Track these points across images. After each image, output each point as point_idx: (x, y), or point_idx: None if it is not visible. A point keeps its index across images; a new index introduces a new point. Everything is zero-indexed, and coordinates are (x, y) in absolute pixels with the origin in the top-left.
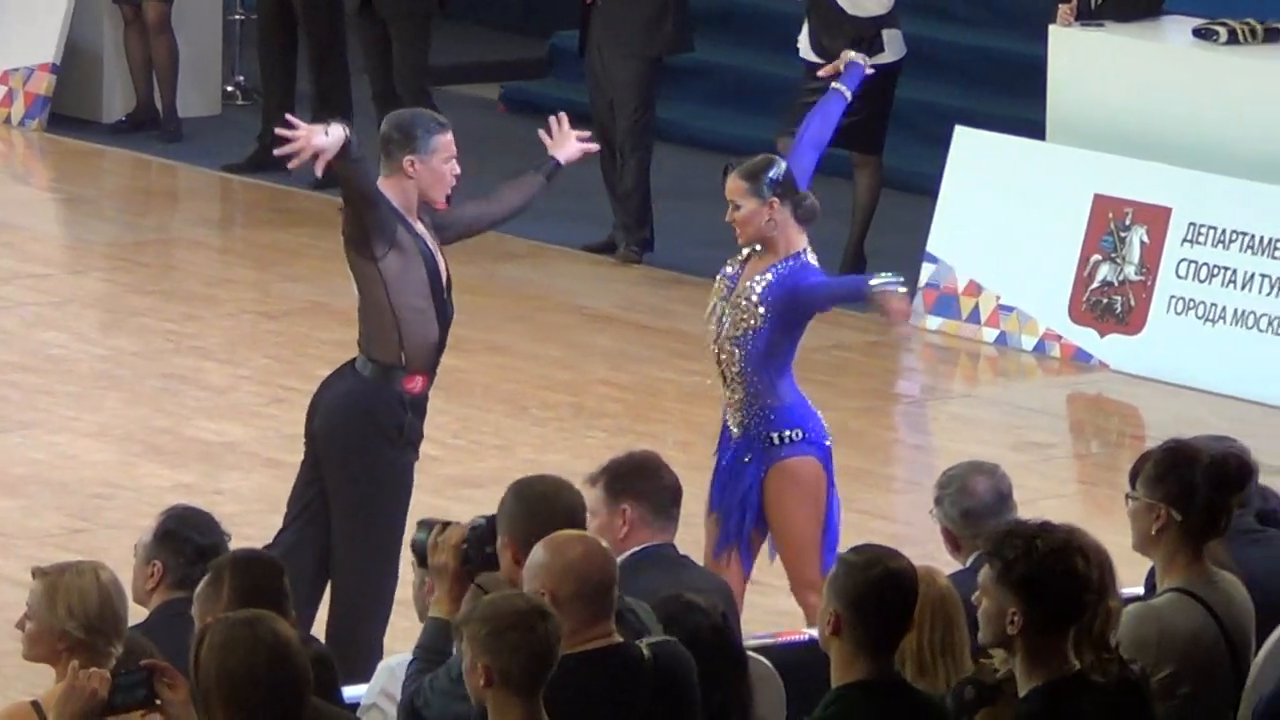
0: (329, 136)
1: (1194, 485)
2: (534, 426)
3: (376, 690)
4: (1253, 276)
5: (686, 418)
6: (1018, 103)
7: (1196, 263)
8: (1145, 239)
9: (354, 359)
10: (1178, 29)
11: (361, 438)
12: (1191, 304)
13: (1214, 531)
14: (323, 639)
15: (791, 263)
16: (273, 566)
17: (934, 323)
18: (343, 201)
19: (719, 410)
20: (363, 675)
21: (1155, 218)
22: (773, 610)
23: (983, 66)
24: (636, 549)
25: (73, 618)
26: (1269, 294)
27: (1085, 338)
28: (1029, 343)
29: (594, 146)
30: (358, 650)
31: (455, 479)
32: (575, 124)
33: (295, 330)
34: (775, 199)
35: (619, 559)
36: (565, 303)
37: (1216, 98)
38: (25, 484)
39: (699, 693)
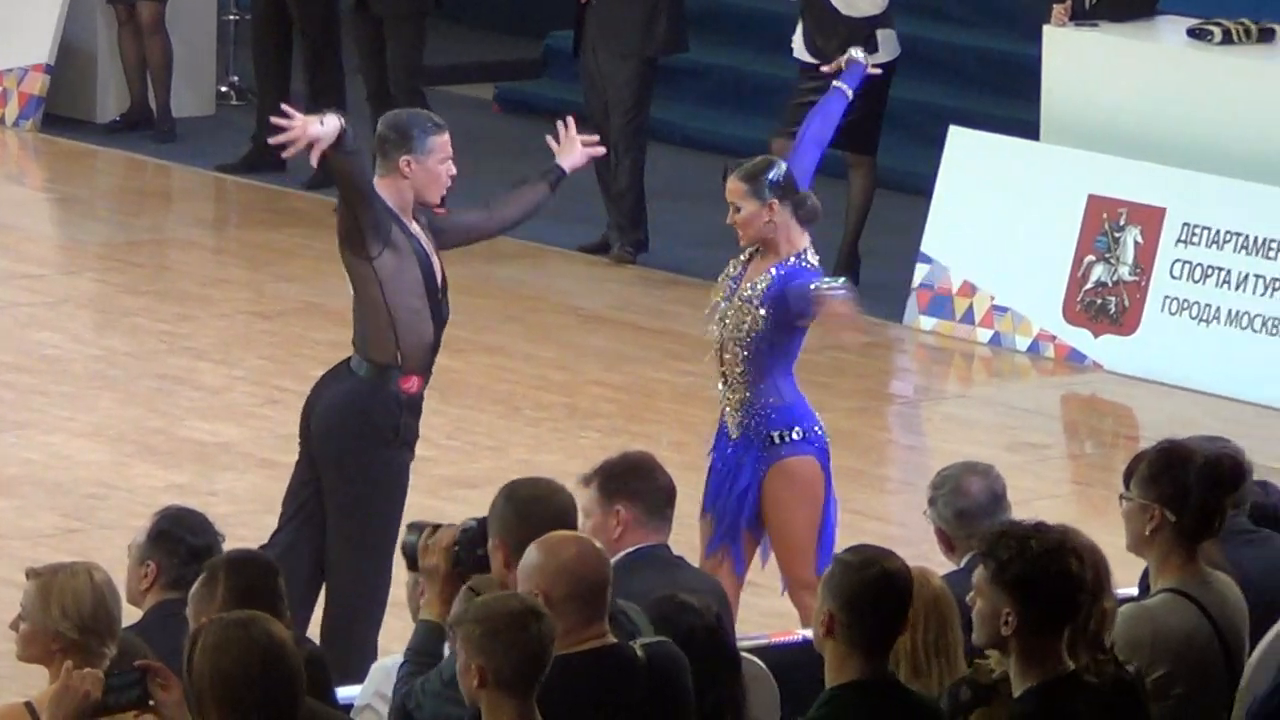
0: (325, 126)
1: (1188, 486)
2: (528, 427)
3: (370, 691)
4: (1247, 277)
5: (681, 418)
6: (1012, 103)
7: (1190, 263)
8: (1139, 239)
9: (348, 359)
10: (1172, 29)
11: (358, 438)
12: (1186, 304)
13: (1208, 532)
14: (317, 639)
15: (792, 263)
16: (268, 567)
17: (928, 323)
18: (338, 196)
19: (713, 411)
20: (357, 676)
21: (1149, 218)
22: (767, 611)
23: (977, 66)
24: (631, 550)
25: (66, 618)
26: (1263, 294)
27: (1079, 338)
28: (1023, 343)
29: (600, 150)
30: (352, 651)
31: (449, 479)
32: None
33: (289, 331)
34: (775, 200)
35: (613, 560)
36: (560, 303)
37: (1211, 98)
38: (19, 484)
39: (693, 693)
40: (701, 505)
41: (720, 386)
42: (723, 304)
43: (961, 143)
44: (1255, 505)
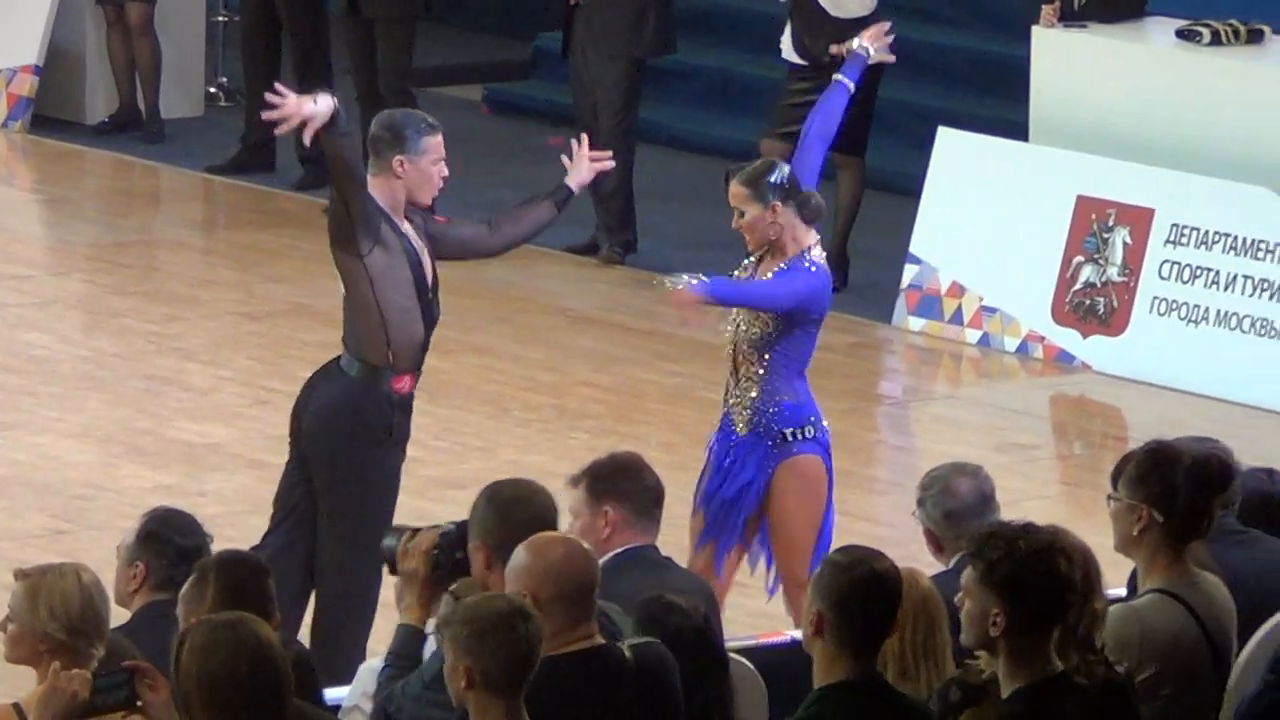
0: (318, 105)
1: (1176, 486)
2: (516, 428)
3: (359, 692)
4: (1235, 278)
5: (669, 419)
6: (1001, 104)
7: (1179, 264)
8: (1128, 240)
9: (338, 358)
10: (1161, 30)
11: (350, 438)
12: (1174, 305)
13: (1195, 533)
14: (307, 640)
15: (795, 262)
16: (258, 568)
17: (917, 324)
18: (330, 188)
19: (701, 411)
20: (347, 676)
21: (1138, 219)
22: (754, 612)
23: (965, 67)
24: (619, 550)
25: (54, 619)
26: (1251, 295)
27: (1068, 339)
28: (1012, 344)
29: (609, 165)
30: (342, 651)
31: (438, 480)
32: (558, 125)
33: (278, 331)
34: (778, 202)
35: (601, 560)
36: (548, 304)
37: (1199, 99)
38: (7, 485)
39: (681, 694)
40: (695, 501)
41: (730, 384)
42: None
43: (950, 143)
44: (1260, 493)
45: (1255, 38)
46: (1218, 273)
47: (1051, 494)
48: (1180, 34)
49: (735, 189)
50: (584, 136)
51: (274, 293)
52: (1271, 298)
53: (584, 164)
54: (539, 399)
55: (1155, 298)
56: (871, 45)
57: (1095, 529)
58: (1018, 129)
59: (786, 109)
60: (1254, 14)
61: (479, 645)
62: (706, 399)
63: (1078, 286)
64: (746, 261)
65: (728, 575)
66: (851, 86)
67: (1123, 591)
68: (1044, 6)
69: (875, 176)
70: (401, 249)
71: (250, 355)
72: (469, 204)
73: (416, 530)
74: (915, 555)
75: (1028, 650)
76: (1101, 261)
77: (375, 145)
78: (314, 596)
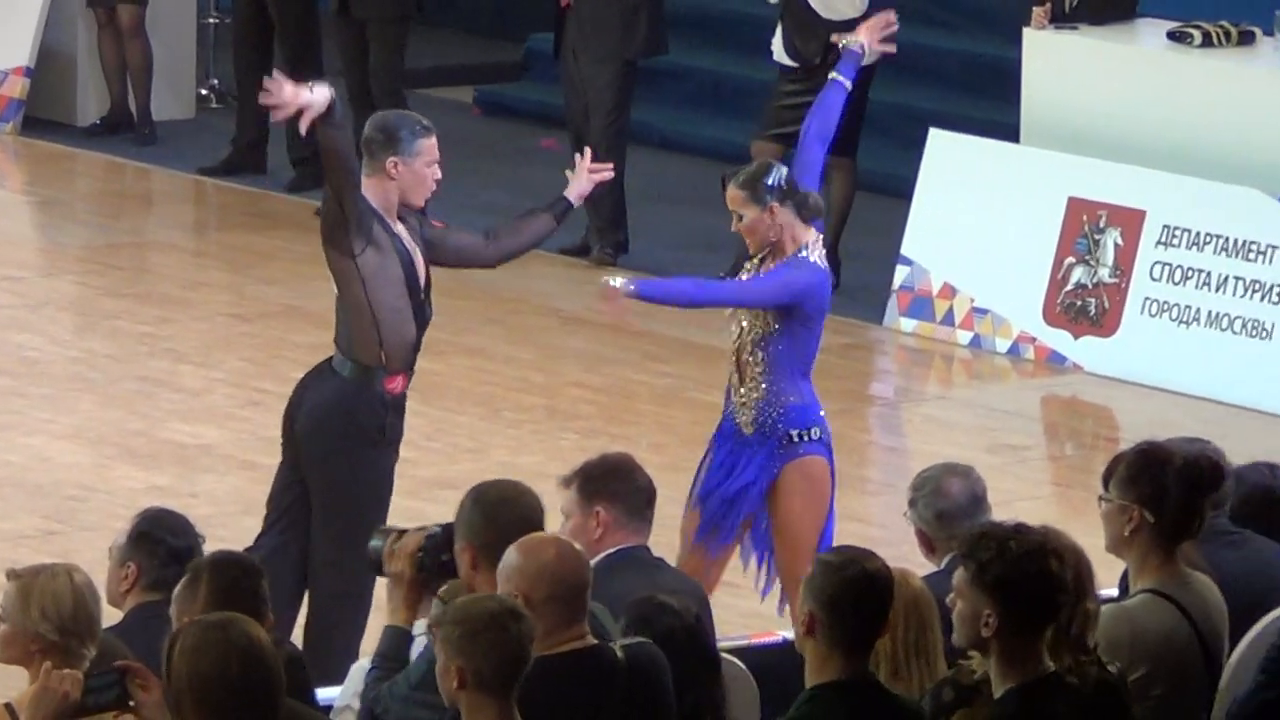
0: (314, 94)
1: (1166, 487)
2: (508, 429)
3: (350, 692)
4: (1226, 279)
5: (660, 420)
6: (992, 105)
7: (1170, 265)
8: (1119, 241)
9: (330, 359)
10: (1152, 32)
11: (344, 438)
12: (1165, 306)
13: (1187, 533)
14: (301, 640)
15: (790, 260)
16: (251, 568)
17: (908, 325)
18: (324, 179)
19: (692, 412)
20: (340, 677)
21: (1129, 220)
22: (746, 612)
23: (957, 69)
24: (610, 551)
25: (46, 620)
26: (1242, 296)
27: (1059, 340)
28: (1003, 345)
29: (608, 175)
30: (335, 652)
31: (429, 481)
32: (550, 127)
33: (269, 333)
34: (776, 204)
35: (593, 561)
36: (540, 305)
37: (1190, 101)
38: None
39: (673, 694)
40: (691, 498)
41: (735, 384)
42: (742, 309)
43: (942, 145)
44: (1262, 488)
45: (1246, 39)
46: (1209, 274)
47: (1043, 495)
48: (1171, 35)
49: (732, 192)
50: (587, 150)
51: (265, 294)
52: (1262, 299)
53: (584, 176)
54: (530, 400)
55: (1146, 299)
56: (869, 40)
57: (1086, 529)
58: (1009, 130)
59: (778, 110)
60: (1245, 16)
61: (471, 645)
62: (697, 400)
63: (1069, 288)
64: (748, 264)
65: (716, 573)
66: (848, 84)
67: (1114, 592)
68: (1035, 8)
69: (867, 178)
70: (394, 249)
71: (242, 357)
72: (460, 205)
73: (403, 532)
74: (907, 556)
75: (1020, 651)
76: (1093, 263)
77: (369, 146)
78: (307, 597)
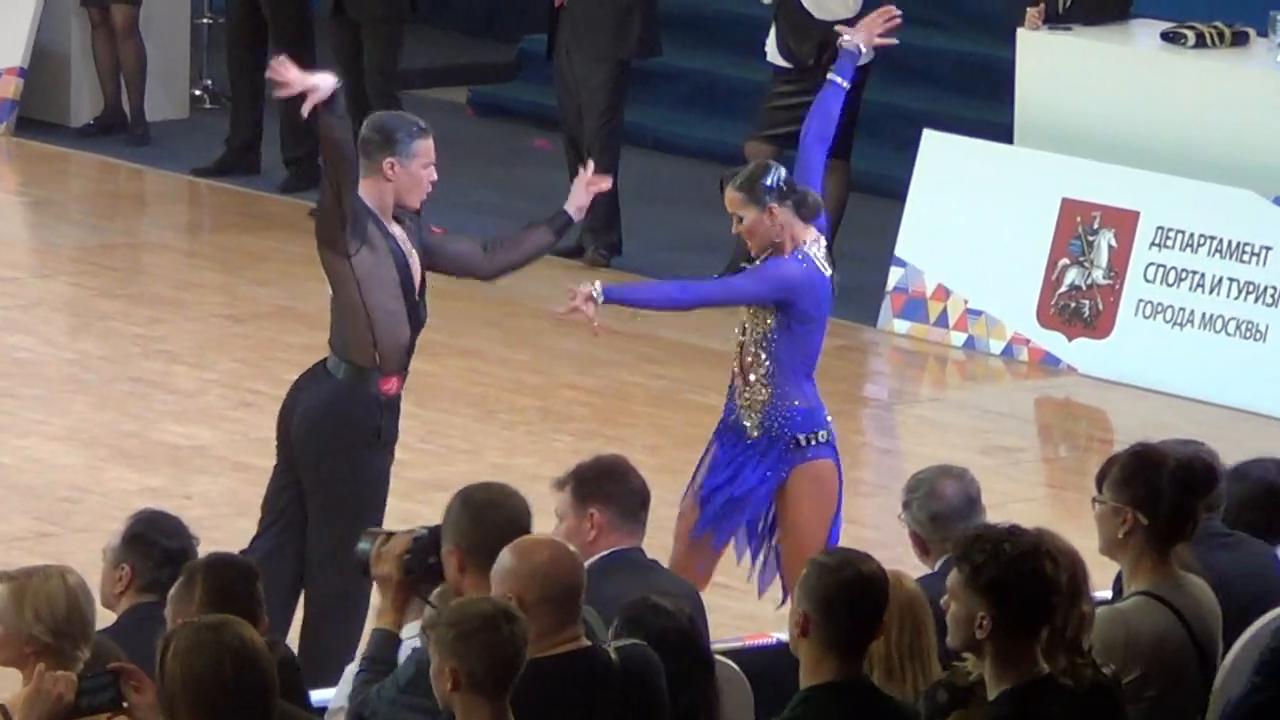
0: (319, 79)
1: (1160, 489)
2: (502, 430)
3: (345, 694)
4: (1220, 280)
5: (654, 421)
6: (986, 106)
7: (1164, 266)
8: (1113, 243)
9: (323, 361)
10: (1146, 32)
11: (339, 440)
12: (1159, 308)
13: (1180, 535)
14: (297, 642)
15: (784, 259)
16: (246, 570)
17: (902, 326)
18: (322, 174)
19: (686, 414)
20: (336, 678)
21: (1123, 221)
22: (740, 614)
23: (950, 70)
24: (605, 553)
25: (40, 622)
26: (1236, 298)
27: (1053, 341)
28: (997, 346)
29: (605, 186)
30: (332, 653)
31: (423, 483)
32: (543, 127)
33: (263, 334)
34: (774, 204)
35: (587, 563)
36: (534, 306)
37: (1184, 101)
38: None
39: (666, 696)
40: (688, 493)
41: (739, 387)
42: (744, 310)
43: (935, 146)
44: (1265, 483)
45: (1240, 40)
46: (1203, 275)
47: (1037, 496)
48: (1165, 36)
49: (731, 195)
50: (590, 163)
51: (259, 295)
52: (1256, 300)
53: (583, 188)
54: (524, 401)
55: (1140, 300)
56: (866, 39)
57: (1080, 531)
58: (1003, 131)
59: (771, 111)
60: (1238, 16)
61: (464, 647)
62: (692, 401)
63: (1063, 289)
64: (746, 266)
65: (709, 570)
66: (845, 85)
67: (1108, 594)
68: (1029, 9)
69: (860, 179)
70: (388, 250)
71: (235, 358)
72: (454, 206)
73: (390, 534)
74: (901, 558)
75: (1014, 653)
76: (1087, 264)
77: (365, 147)
78: (304, 599)
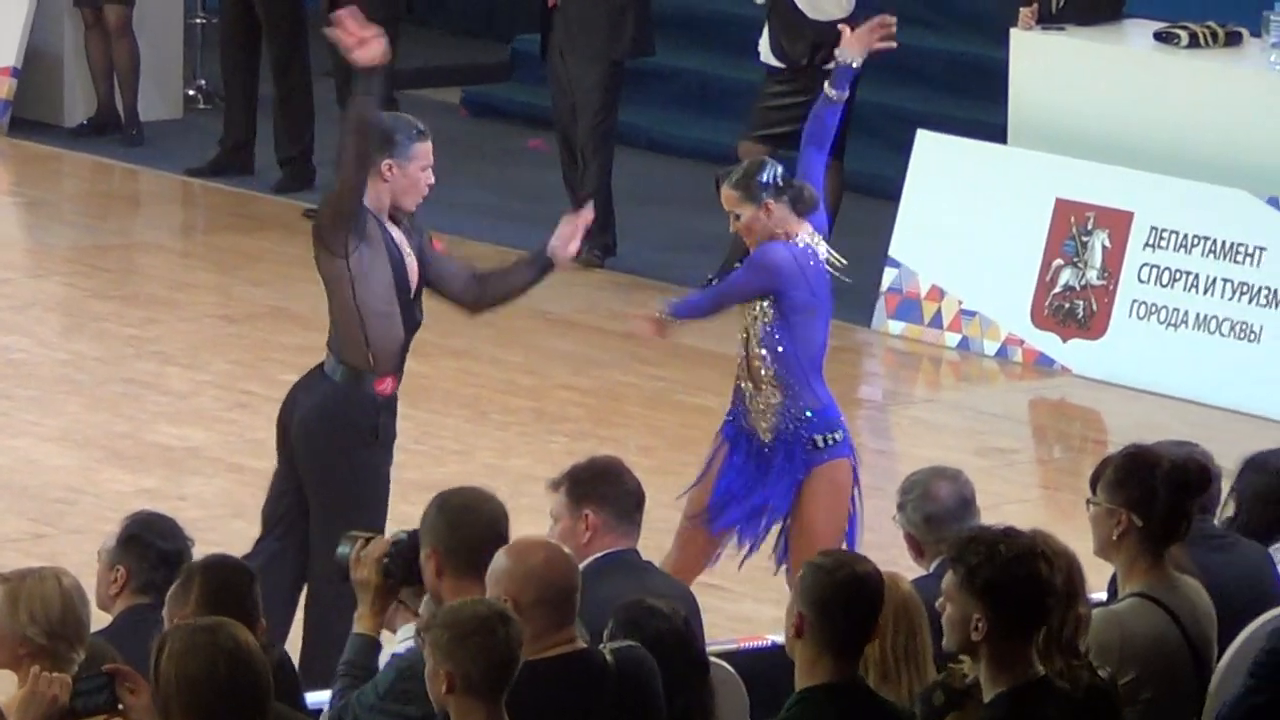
0: (377, 43)
1: (1154, 490)
2: (495, 431)
3: None
4: (1214, 281)
5: (648, 422)
6: (979, 106)
7: (1158, 267)
8: (1107, 243)
9: (321, 363)
10: (1139, 32)
11: (338, 441)
12: (1153, 308)
13: (1175, 536)
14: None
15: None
16: (243, 572)
17: (896, 327)
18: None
19: (680, 415)
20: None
21: (1117, 222)
22: (735, 616)
23: (944, 70)
24: (599, 554)
25: (34, 623)
26: (1231, 298)
27: (1047, 342)
28: (991, 347)
29: (588, 216)
30: (332, 655)
31: (416, 484)
32: (537, 128)
33: (257, 335)
34: (770, 200)
35: (582, 565)
36: (527, 307)
37: (1178, 101)
38: None
39: (662, 698)
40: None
41: (749, 392)
42: (748, 311)
43: (929, 146)
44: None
45: (1233, 40)
46: (1197, 276)
47: (1031, 498)
48: (1158, 36)
49: (727, 193)
50: (585, 211)
51: (253, 296)
52: (1250, 301)
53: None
54: (518, 402)
55: (1134, 301)
56: (861, 52)
57: (1075, 533)
58: (996, 132)
59: (764, 111)
60: (1232, 16)
61: (459, 649)
62: (686, 403)
63: (1057, 290)
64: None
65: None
66: (841, 97)
67: (1103, 596)
68: (1022, 9)
69: (854, 179)
70: (385, 250)
71: (229, 358)
72: (448, 206)
73: (369, 538)
74: (895, 559)
75: (1009, 655)
76: (1081, 265)
77: None
78: (307, 601)
